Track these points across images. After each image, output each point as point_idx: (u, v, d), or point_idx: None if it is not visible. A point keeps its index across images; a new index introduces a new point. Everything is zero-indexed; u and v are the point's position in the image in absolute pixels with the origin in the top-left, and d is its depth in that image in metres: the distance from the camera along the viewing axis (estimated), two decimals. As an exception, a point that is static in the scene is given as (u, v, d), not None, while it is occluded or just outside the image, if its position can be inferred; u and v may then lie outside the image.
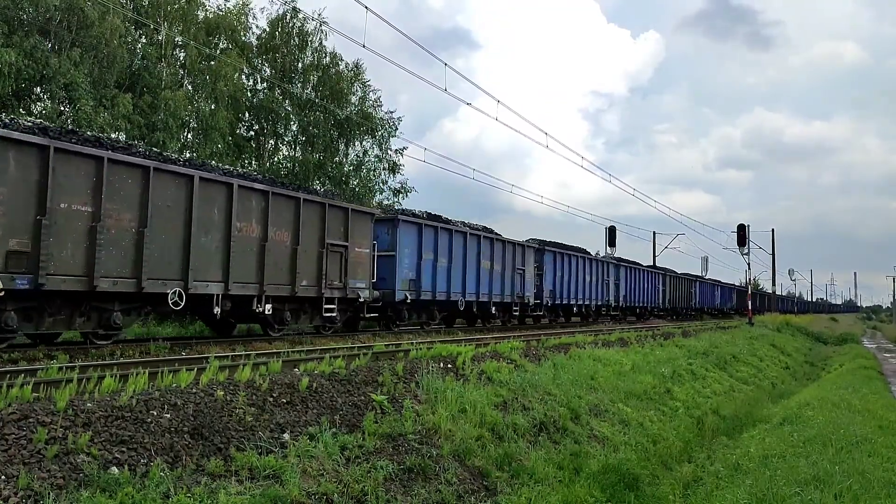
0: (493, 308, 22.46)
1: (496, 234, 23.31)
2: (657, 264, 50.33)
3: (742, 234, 45.87)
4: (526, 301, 24.60)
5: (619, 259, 35.64)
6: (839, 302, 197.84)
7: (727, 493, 7.90)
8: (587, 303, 30.39)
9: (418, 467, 7.53)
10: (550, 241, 28.34)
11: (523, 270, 24.42)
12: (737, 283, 74.01)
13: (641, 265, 39.41)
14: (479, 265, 21.38)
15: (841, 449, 9.29)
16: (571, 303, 28.99)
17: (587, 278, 30.34)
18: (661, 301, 41.57)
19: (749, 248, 47.82)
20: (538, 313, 26.61)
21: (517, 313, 24.42)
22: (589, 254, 31.70)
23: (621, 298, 34.37)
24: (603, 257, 33.88)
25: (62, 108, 19.05)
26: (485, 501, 7.71)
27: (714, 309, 57.65)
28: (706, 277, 56.44)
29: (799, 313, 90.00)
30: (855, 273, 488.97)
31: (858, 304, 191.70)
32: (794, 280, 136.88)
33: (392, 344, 13.53)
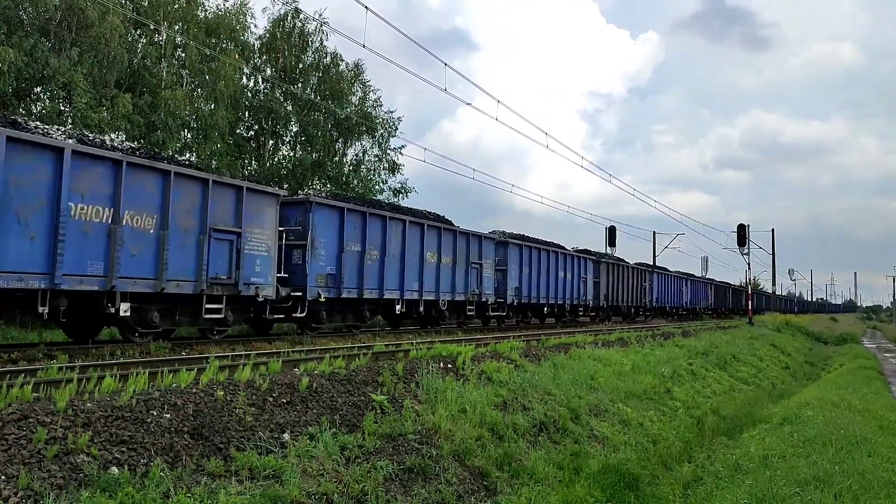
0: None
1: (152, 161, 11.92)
2: (657, 264, 49.96)
3: (742, 234, 45.93)
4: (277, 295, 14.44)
5: (512, 235, 25.38)
6: (839, 302, 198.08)
7: (727, 493, 7.90)
8: (438, 297, 19.72)
9: (418, 467, 7.53)
10: (339, 195, 18.42)
11: (268, 246, 13.92)
12: (716, 279, 62.76)
13: (565, 249, 29.29)
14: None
15: (841, 449, 9.29)
16: (409, 297, 18.40)
17: (430, 258, 19.41)
18: (589, 296, 30.91)
19: (749, 248, 47.87)
20: (298, 314, 15.43)
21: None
22: (449, 223, 21.09)
23: (511, 292, 23.94)
24: (489, 233, 23.68)
25: (62, 108, 19.06)
26: (485, 501, 7.71)
27: (681, 309, 47.77)
28: (671, 270, 47.22)
29: (799, 313, 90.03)
30: (855, 273, 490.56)
31: (858, 304, 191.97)
32: (794, 280, 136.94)
33: (392, 344, 13.55)
